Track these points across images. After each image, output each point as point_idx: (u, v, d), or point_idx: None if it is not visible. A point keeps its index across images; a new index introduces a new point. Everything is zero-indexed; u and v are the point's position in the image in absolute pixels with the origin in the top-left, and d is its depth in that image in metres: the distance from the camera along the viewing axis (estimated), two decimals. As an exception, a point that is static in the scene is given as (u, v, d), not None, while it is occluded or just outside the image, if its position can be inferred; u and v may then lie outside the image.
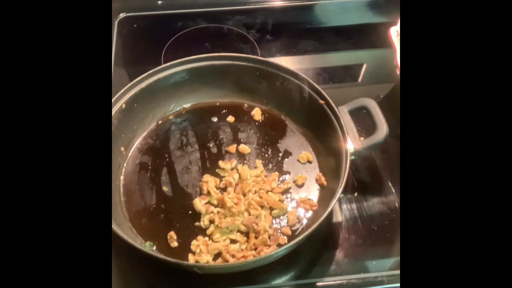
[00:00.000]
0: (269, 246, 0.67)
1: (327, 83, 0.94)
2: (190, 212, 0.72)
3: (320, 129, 0.77)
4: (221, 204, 0.71)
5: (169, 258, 0.61)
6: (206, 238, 0.69)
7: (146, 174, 0.77)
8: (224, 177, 0.76)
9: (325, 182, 0.75)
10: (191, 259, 0.66)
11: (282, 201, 0.73)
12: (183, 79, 0.82)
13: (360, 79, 0.96)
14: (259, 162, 0.78)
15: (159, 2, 1.10)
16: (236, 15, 1.07)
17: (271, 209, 0.72)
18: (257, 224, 0.69)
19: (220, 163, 0.77)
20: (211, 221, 0.70)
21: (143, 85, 0.79)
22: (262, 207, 0.72)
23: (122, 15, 1.06)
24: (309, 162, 0.79)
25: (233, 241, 0.69)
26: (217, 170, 0.77)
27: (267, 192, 0.73)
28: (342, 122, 0.72)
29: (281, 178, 0.77)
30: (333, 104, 0.74)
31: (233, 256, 0.66)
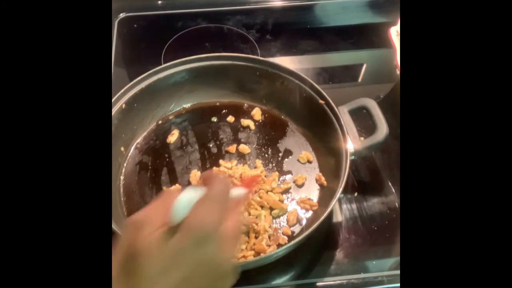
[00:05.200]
0: (269, 246, 0.67)
1: (327, 83, 0.94)
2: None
3: (320, 129, 0.77)
4: None
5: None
6: None
7: (146, 174, 0.77)
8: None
9: (325, 182, 0.75)
10: None
11: (282, 201, 0.73)
12: (183, 79, 0.82)
13: (360, 79, 0.96)
14: (259, 162, 0.78)
15: (159, 2, 1.10)
16: (236, 15, 1.07)
17: (271, 209, 0.72)
18: (257, 224, 0.69)
19: (221, 162, 0.77)
20: None
21: (143, 85, 0.79)
22: (262, 207, 0.72)
23: (122, 15, 1.06)
24: (309, 162, 0.79)
25: None
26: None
27: (267, 192, 0.73)
28: (342, 122, 0.72)
29: (281, 178, 0.77)
30: (333, 104, 0.74)
31: None
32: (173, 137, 0.81)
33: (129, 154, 0.79)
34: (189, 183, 0.75)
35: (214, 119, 0.84)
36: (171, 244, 0.39)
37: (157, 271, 0.38)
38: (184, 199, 0.41)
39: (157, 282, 0.38)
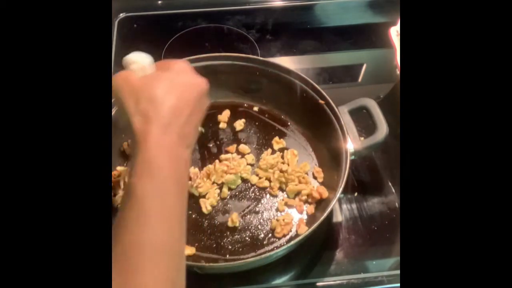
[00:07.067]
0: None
1: (327, 83, 0.94)
2: (189, 212, 0.72)
3: (320, 129, 0.77)
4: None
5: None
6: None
7: (146, 174, 0.77)
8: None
9: (321, 178, 0.75)
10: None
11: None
12: (183, 79, 0.82)
13: (360, 79, 0.96)
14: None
15: (159, 2, 1.10)
16: (236, 15, 1.07)
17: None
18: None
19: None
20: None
21: (143, 85, 0.78)
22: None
23: (122, 15, 1.06)
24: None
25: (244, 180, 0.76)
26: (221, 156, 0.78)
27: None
28: (342, 122, 0.72)
29: (281, 178, 0.77)
30: (333, 104, 0.74)
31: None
32: None
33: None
34: (189, 179, 0.75)
35: (214, 119, 0.84)
36: (162, 76, 0.53)
37: (162, 97, 0.50)
38: (133, 54, 0.56)
39: (163, 105, 0.50)
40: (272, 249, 0.68)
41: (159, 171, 0.47)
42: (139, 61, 0.54)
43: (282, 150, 0.79)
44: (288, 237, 0.70)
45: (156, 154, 0.47)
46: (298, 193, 0.74)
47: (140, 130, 0.49)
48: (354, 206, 0.76)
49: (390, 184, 0.78)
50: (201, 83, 0.55)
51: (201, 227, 0.71)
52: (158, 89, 0.50)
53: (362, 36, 1.04)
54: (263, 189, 0.75)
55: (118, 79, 0.53)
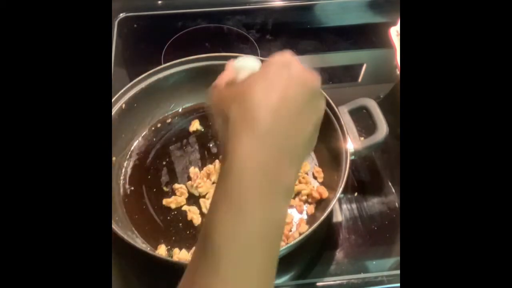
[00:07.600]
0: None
1: (327, 83, 0.94)
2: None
3: (320, 129, 0.77)
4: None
5: (169, 258, 0.61)
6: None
7: (146, 174, 0.77)
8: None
9: (321, 178, 0.75)
10: None
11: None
12: (183, 79, 0.82)
13: (360, 79, 0.96)
14: None
15: (159, 2, 1.10)
16: (236, 15, 1.07)
17: None
18: None
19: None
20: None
21: (143, 85, 0.79)
22: None
23: (122, 15, 1.06)
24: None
25: None
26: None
27: None
28: (342, 122, 0.72)
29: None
30: (333, 104, 0.74)
31: None
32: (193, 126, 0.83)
33: (129, 154, 0.79)
34: (189, 179, 0.75)
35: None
36: (260, 73, 0.42)
37: (258, 98, 0.39)
38: (242, 59, 0.48)
39: (259, 106, 0.39)
40: (272, 249, 0.68)
41: (241, 212, 0.36)
42: (247, 67, 0.46)
43: (282, 150, 0.79)
44: (288, 237, 0.70)
45: (240, 181, 0.37)
46: (298, 193, 0.74)
47: (227, 141, 0.39)
48: (354, 206, 0.76)
49: (390, 184, 0.78)
50: (312, 78, 0.43)
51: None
52: (252, 91, 0.40)
53: (362, 36, 1.04)
54: (263, 189, 0.75)
55: (212, 90, 0.45)
